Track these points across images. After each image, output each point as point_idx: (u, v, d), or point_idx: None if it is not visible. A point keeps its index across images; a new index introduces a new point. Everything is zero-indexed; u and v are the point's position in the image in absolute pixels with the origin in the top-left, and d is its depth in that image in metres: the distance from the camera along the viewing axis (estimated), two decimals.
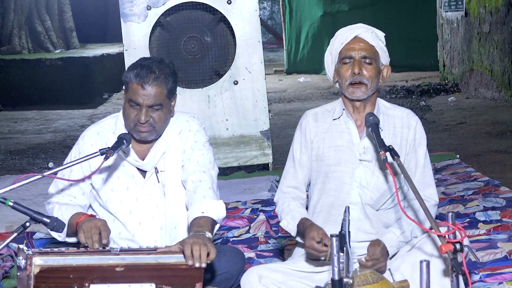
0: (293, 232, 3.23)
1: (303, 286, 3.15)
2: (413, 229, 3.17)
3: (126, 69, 6.29)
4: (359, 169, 3.25)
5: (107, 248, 2.98)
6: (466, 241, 2.85)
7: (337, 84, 3.33)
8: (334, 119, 3.32)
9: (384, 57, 3.29)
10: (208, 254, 2.81)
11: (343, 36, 3.28)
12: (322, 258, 3.15)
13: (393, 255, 3.18)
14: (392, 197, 3.27)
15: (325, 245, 3.00)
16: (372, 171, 3.25)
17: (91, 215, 3.21)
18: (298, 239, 3.25)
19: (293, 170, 3.37)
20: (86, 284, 2.80)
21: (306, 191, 3.42)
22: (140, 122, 3.20)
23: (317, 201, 3.33)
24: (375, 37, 3.27)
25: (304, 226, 3.13)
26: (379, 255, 3.05)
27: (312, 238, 3.02)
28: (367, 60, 3.22)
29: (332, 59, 3.31)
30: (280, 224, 3.30)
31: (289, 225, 3.23)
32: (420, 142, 3.29)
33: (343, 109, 3.31)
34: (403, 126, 3.29)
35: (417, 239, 3.17)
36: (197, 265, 2.78)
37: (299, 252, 3.37)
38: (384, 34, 3.32)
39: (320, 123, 3.34)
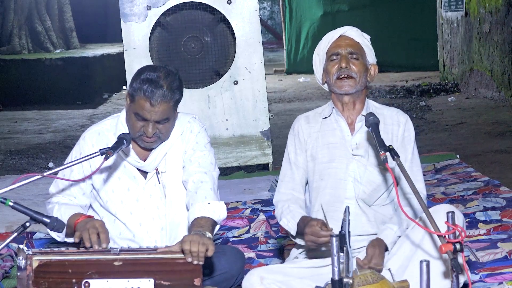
0: (293, 231, 3.24)
1: (304, 286, 3.16)
2: (408, 222, 3.21)
3: (126, 68, 6.36)
4: (352, 163, 3.30)
5: (107, 248, 2.99)
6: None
7: (325, 85, 3.40)
8: (324, 118, 3.38)
9: (371, 55, 3.37)
10: (206, 250, 2.83)
11: (329, 35, 3.41)
12: (323, 248, 3.15)
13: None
14: (387, 192, 3.32)
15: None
16: (365, 166, 3.29)
17: (89, 216, 3.21)
18: (298, 240, 3.26)
19: (290, 172, 3.40)
20: (85, 279, 2.81)
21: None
22: (147, 136, 3.20)
23: (315, 200, 3.37)
24: (360, 35, 3.37)
25: (305, 222, 3.15)
26: (378, 257, 3.08)
27: (312, 225, 3.05)
28: (354, 56, 3.31)
29: (320, 60, 3.40)
30: (280, 223, 3.32)
31: (289, 223, 3.25)
32: (410, 138, 3.36)
33: (333, 108, 3.37)
34: (393, 124, 3.36)
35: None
36: (195, 262, 2.81)
37: (295, 254, 3.39)
38: (369, 37, 3.41)
39: (312, 124, 3.41)
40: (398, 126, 3.35)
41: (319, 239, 3.04)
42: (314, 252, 3.26)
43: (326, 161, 3.33)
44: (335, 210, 3.27)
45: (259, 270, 3.21)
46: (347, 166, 3.30)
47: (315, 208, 3.35)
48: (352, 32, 3.35)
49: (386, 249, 3.17)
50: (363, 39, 3.36)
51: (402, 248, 3.14)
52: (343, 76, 3.28)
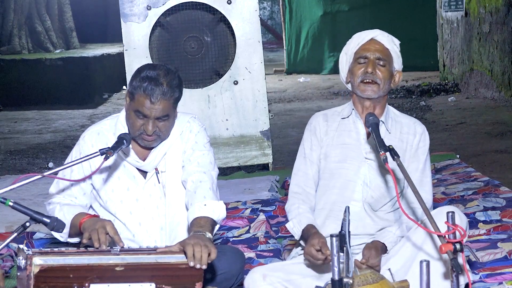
0: (297, 236, 3.28)
1: (307, 283, 3.17)
2: (408, 224, 3.22)
3: (126, 68, 6.35)
4: (364, 167, 3.31)
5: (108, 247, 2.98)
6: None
7: (349, 84, 3.39)
8: (342, 118, 3.38)
9: (398, 62, 3.36)
10: (209, 255, 2.82)
11: (359, 37, 3.36)
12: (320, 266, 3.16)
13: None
14: (393, 201, 3.32)
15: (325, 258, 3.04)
16: (376, 171, 3.30)
17: (95, 215, 3.21)
18: (301, 242, 3.28)
19: (304, 167, 3.41)
20: (86, 284, 2.81)
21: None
22: (147, 134, 3.20)
23: (321, 198, 3.37)
24: (390, 41, 3.36)
25: (309, 233, 3.17)
26: (374, 258, 3.10)
27: (312, 245, 3.08)
28: (381, 62, 3.29)
29: (347, 59, 3.38)
30: (286, 225, 3.35)
31: (295, 228, 3.28)
32: (424, 149, 3.35)
33: (353, 109, 3.37)
34: (409, 133, 3.36)
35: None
36: (198, 266, 2.79)
37: (297, 253, 3.39)
38: (399, 42, 3.40)
39: (330, 123, 3.41)
40: (414, 136, 3.35)
41: (316, 262, 3.07)
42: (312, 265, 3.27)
43: (338, 161, 3.33)
44: (340, 210, 3.25)
45: (262, 268, 3.22)
46: (358, 168, 3.30)
47: (319, 205, 3.36)
48: (383, 37, 3.34)
49: (386, 250, 3.18)
50: (393, 46, 3.35)
51: (403, 249, 3.14)
52: (367, 80, 3.27)
